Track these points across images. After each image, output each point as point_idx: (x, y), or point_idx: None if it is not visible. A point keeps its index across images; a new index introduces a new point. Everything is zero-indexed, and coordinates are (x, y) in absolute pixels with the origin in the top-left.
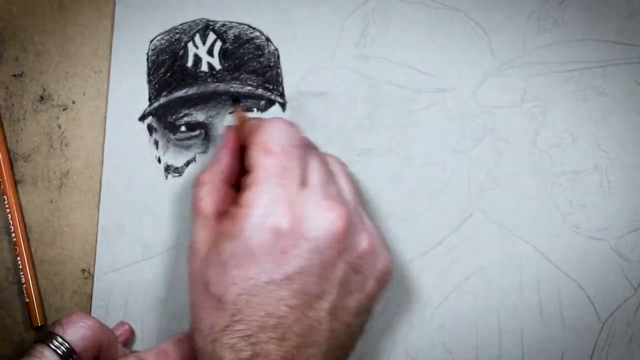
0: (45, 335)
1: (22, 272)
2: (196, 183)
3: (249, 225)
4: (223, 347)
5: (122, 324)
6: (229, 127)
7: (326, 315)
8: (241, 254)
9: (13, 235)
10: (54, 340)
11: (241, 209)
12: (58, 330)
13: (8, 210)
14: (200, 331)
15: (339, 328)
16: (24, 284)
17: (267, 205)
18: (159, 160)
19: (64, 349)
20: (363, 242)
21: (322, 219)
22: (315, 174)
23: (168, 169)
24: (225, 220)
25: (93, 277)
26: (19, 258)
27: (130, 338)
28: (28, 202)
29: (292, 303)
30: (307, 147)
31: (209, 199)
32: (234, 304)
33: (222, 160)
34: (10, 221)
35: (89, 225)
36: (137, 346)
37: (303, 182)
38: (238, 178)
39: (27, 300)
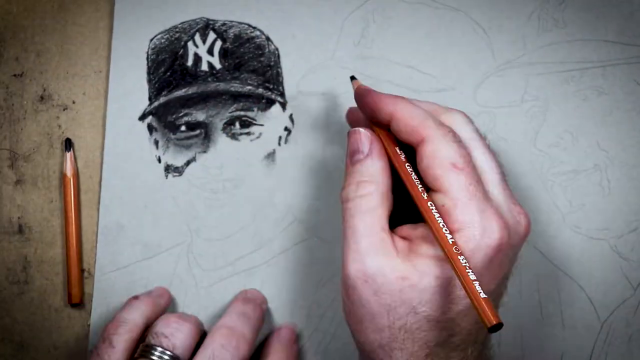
0: (144, 349)
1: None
2: (363, 193)
3: (472, 246)
4: (436, 358)
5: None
6: (364, 132)
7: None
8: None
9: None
10: (154, 352)
11: (458, 232)
12: (155, 341)
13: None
14: (402, 353)
15: None
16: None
17: (480, 222)
18: (159, 160)
19: (167, 357)
20: None
21: (519, 225)
22: (489, 170)
23: (168, 168)
24: (417, 240)
25: (93, 277)
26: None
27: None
28: (28, 202)
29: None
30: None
31: (381, 211)
32: (453, 321)
33: (380, 167)
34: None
35: (88, 225)
36: None
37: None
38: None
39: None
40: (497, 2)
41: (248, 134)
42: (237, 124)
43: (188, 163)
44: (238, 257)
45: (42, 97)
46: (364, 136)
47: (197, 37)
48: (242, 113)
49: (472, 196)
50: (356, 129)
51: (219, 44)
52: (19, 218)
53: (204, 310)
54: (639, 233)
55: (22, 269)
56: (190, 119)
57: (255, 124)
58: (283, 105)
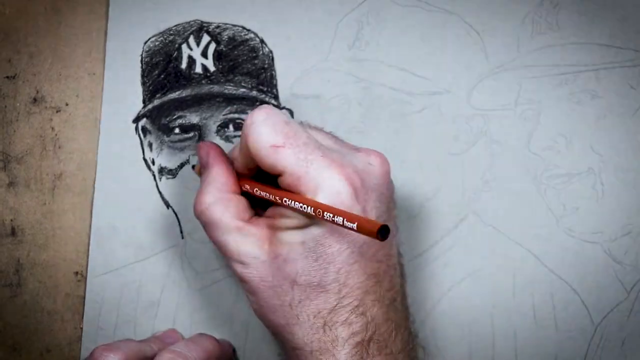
0: None
1: None
2: (202, 209)
3: (327, 202)
4: (334, 326)
5: (172, 331)
6: (202, 143)
7: (395, 253)
8: (323, 234)
9: None
10: None
11: (302, 196)
12: None
13: None
14: (300, 326)
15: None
16: None
17: (326, 179)
18: (153, 162)
19: None
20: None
21: (370, 166)
22: (321, 137)
23: (162, 171)
24: (277, 216)
25: (86, 279)
26: None
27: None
28: (21, 205)
29: (380, 255)
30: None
31: (229, 213)
32: (337, 281)
33: (217, 174)
34: None
35: (81, 228)
36: None
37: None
38: (238, 184)
39: None
40: (491, 5)
41: None
42: (231, 127)
43: (182, 165)
44: None
45: (35, 99)
46: (204, 150)
47: (191, 40)
48: (235, 116)
49: (307, 163)
50: (200, 143)
51: (213, 46)
52: (11, 220)
53: (197, 312)
54: (633, 236)
55: (15, 272)
56: (184, 122)
57: None
58: (277, 108)
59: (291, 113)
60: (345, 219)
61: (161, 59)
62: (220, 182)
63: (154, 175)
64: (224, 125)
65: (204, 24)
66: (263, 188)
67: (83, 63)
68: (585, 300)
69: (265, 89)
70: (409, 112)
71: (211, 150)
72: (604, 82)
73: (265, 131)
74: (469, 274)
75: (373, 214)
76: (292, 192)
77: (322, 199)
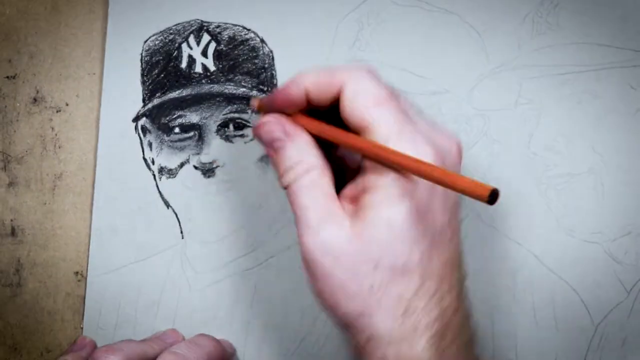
0: None
1: None
2: (298, 172)
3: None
4: (415, 312)
5: (172, 331)
6: (270, 116)
7: (461, 242)
8: (411, 213)
9: None
10: None
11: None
12: None
13: None
14: (380, 313)
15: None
16: None
17: (414, 153)
18: (153, 162)
19: None
20: None
21: (451, 149)
22: (408, 106)
23: (162, 170)
24: (360, 192)
25: (86, 279)
26: None
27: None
28: (21, 205)
29: (455, 241)
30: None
31: (325, 180)
32: (420, 264)
33: (309, 143)
34: None
35: (81, 228)
36: None
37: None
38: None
39: None
40: (491, 5)
41: (242, 136)
42: (231, 126)
43: (182, 165)
44: (232, 260)
45: (35, 99)
46: (274, 123)
47: (192, 39)
48: (236, 115)
49: (401, 128)
50: (260, 121)
51: (213, 45)
52: (11, 220)
53: (197, 313)
54: (633, 237)
55: (15, 272)
56: (184, 121)
57: (249, 126)
58: None
59: None
60: (450, 180)
61: (161, 58)
62: (305, 150)
63: (154, 175)
64: (224, 125)
65: (204, 24)
66: (357, 139)
67: (83, 63)
68: (585, 300)
69: (265, 89)
70: None
71: (283, 122)
72: (605, 82)
73: (372, 82)
74: (469, 274)
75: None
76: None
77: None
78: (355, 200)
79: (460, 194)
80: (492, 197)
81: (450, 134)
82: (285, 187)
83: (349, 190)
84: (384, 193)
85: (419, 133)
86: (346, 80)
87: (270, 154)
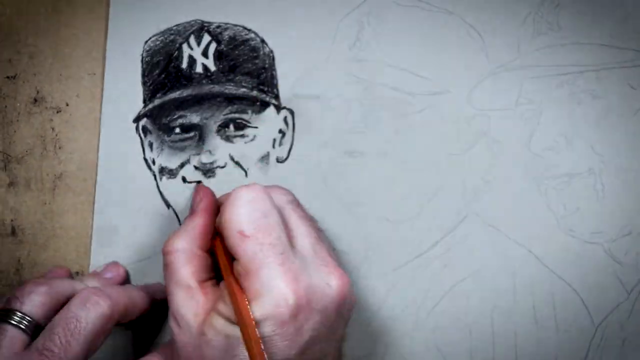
0: (2, 313)
1: None
2: (169, 250)
3: (262, 314)
4: None
5: (113, 264)
6: (200, 187)
7: None
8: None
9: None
10: (14, 317)
11: (244, 297)
12: (15, 304)
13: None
14: None
15: None
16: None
17: (272, 288)
18: (153, 162)
19: (26, 322)
20: (352, 296)
21: (327, 287)
22: (300, 235)
23: (162, 170)
24: (219, 301)
25: None
26: None
27: (123, 277)
28: (21, 205)
29: None
30: (275, 207)
31: (188, 268)
32: None
33: (197, 225)
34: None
35: (82, 228)
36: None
37: (291, 245)
38: (211, 241)
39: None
40: (492, 5)
41: (242, 136)
42: (232, 127)
43: (182, 165)
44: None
45: (35, 100)
46: (197, 194)
47: (192, 39)
48: (236, 115)
49: (262, 264)
50: (199, 186)
51: (213, 46)
52: (12, 220)
53: None
54: (633, 237)
55: (15, 272)
56: (184, 121)
57: (249, 127)
58: (277, 108)
59: (292, 113)
60: (244, 341)
61: (162, 58)
62: (195, 233)
63: (154, 175)
64: (224, 125)
65: (205, 24)
66: (223, 259)
67: (83, 63)
68: (585, 301)
69: (265, 89)
70: (409, 112)
71: (205, 199)
72: (605, 82)
73: (241, 212)
74: (470, 274)
75: (307, 336)
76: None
77: (259, 304)
78: (216, 298)
79: None
80: None
81: (333, 269)
82: (164, 253)
83: (221, 285)
84: (231, 307)
85: (279, 274)
86: (224, 208)
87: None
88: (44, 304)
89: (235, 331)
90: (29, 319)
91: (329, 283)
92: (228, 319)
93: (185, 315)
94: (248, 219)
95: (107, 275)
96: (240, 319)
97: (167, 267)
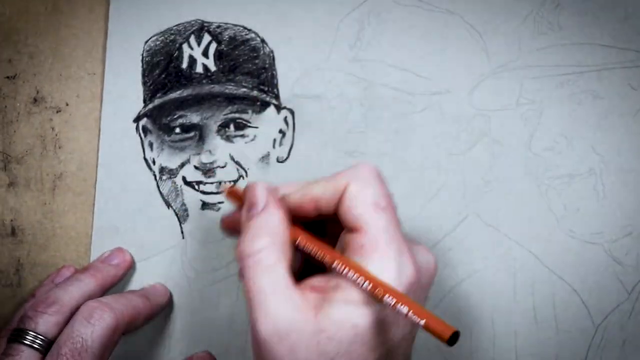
0: (16, 333)
1: None
2: (251, 251)
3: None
4: None
5: (118, 250)
6: (255, 183)
7: None
8: (376, 321)
9: None
10: (27, 337)
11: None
12: (29, 325)
13: None
14: None
15: None
16: None
17: (400, 263)
18: (154, 162)
19: (39, 341)
20: None
21: (429, 265)
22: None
23: (162, 170)
24: (329, 288)
25: None
26: None
27: (129, 263)
28: (21, 205)
29: (406, 349)
30: None
31: (283, 263)
32: None
33: (275, 220)
34: None
35: (82, 228)
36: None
37: None
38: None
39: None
40: (492, 5)
41: (242, 136)
42: (232, 126)
43: (182, 165)
44: (232, 260)
45: (35, 100)
46: (260, 190)
47: (192, 39)
48: (236, 115)
49: (392, 237)
50: (252, 183)
51: (213, 46)
52: (11, 220)
53: (198, 313)
54: (634, 237)
55: (15, 272)
56: (184, 121)
57: (249, 127)
58: (278, 108)
59: (292, 113)
60: (412, 311)
61: (162, 58)
62: (275, 227)
63: (154, 175)
64: (224, 125)
65: (205, 24)
66: (324, 249)
67: (83, 63)
68: (586, 301)
69: (266, 89)
70: (410, 112)
71: (270, 193)
72: (605, 82)
73: (377, 185)
74: (470, 274)
75: None
76: (350, 257)
77: (387, 278)
78: (322, 291)
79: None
80: (453, 338)
81: (426, 247)
82: (240, 259)
83: (317, 281)
84: (355, 295)
85: (406, 247)
86: (350, 180)
87: (242, 218)
88: (57, 324)
89: (367, 314)
90: (42, 338)
91: (428, 261)
92: (354, 304)
93: (290, 316)
94: (383, 192)
95: (114, 262)
96: (387, 291)
97: (253, 269)
